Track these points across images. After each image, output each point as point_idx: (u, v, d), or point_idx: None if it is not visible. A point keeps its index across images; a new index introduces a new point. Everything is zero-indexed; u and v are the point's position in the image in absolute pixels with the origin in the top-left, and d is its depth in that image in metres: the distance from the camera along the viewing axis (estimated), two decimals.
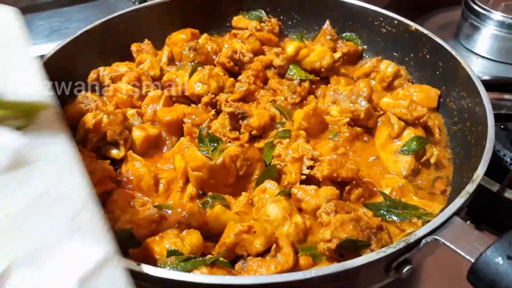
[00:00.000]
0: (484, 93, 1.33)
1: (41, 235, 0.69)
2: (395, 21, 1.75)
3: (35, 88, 0.92)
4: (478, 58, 2.34)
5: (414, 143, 1.39)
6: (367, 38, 1.87)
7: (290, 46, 1.66)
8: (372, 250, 1.07)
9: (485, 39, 2.27)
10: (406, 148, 1.39)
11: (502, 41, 2.21)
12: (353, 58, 1.85)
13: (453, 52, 1.52)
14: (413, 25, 1.69)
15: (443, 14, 2.68)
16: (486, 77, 1.92)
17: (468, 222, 1.02)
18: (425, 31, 1.64)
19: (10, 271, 0.63)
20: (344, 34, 1.90)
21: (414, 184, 1.34)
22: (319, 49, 1.68)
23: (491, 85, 1.84)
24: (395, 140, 1.43)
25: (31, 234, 0.70)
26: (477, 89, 1.37)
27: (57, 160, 0.81)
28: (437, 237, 0.95)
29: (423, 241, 0.95)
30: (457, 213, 1.01)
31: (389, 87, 1.70)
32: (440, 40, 1.59)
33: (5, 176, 0.70)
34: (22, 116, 0.83)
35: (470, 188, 1.07)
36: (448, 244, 0.93)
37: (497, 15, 2.18)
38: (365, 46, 1.89)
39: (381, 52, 1.84)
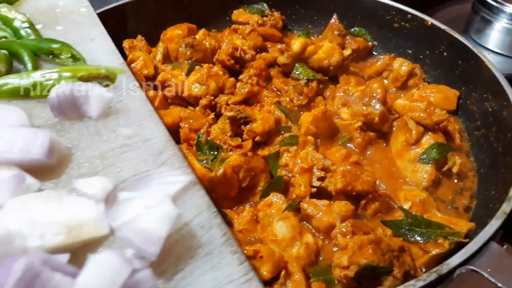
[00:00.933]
0: None
1: (135, 166, 0.89)
2: (409, 15, 1.62)
3: (110, 57, 1.19)
4: (490, 53, 2.20)
5: (435, 150, 1.26)
6: (377, 33, 1.74)
7: (296, 43, 1.52)
8: (394, 277, 0.95)
9: (497, 33, 2.13)
10: (425, 156, 1.26)
11: None
12: (362, 55, 1.72)
13: (475, 50, 1.39)
14: (429, 20, 1.55)
15: (452, 7, 2.53)
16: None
17: (505, 246, 0.89)
18: (443, 26, 1.51)
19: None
20: (352, 29, 1.77)
21: (435, 197, 1.21)
22: (327, 46, 1.54)
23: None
24: (413, 147, 1.30)
25: (127, 166, 0.90)
26: (504, 91, 1.24)
27: (139, 111, 1.02)
28: (473, 268, 0.82)
29: (457, 271, 0.83)
30: (493, 237, 0.88)
31: (403, 87, 1.57)
32: (459, 36, 1.46)
33: (98, 123, 0.86)
34: (106, 77, 1.08)
35: (507, 207, 0.94)
36: (487, 276, 0.81)
37: (510, 8, 2.05)
38: (375, 42, 1.75)
39: (393, 49, 1.71)
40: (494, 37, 2.14)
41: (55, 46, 1.22)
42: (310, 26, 1.85)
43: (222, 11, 1.83)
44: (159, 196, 0.75)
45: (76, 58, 1.23)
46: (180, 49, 1.58)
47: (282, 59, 1.52)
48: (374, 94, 1.36)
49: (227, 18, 1.84)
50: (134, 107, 1.03)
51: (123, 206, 0.75)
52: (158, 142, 0.94)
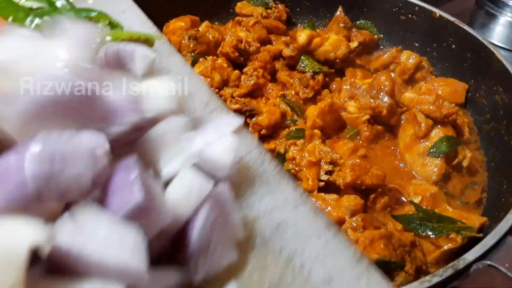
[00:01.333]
0: None
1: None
2: (416, 7, 1.59)
3: (143, 27, 1.22)
4: (497, 49, 2.19)
5: (444, 144, 1.23)
6: (383, 26, 1.71)
7: (302, 35, 1.49)
8: (406, 272, 0.92)
9: (502, 27, 2.10)
10: (435, 149, 1.23)
11: None
12: (368, 48, 1.69)
13: (485, 42, 1.37)
14: (437, 11, 1.53)
15: (455, 1, 2.52)
16: None
17: None
18: (451, 18, 1.49)
19: None
20: (358, 22, 1.74)
21: (445, 191, 1.19)
22: (334, 38, 1.51)
23: None
24: (422, 141, 1.28)
25: None
26: None
27: (181, 70, 1.04)
28: (490, 263, 0.80)
29: (474, 266, 0.81)
30: (509, 231, 0.86)
31: (410, 80, 1.54)
32: (469, 28, 1.43)
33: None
34: (145, 41, 1.08)
35: None
36: (504, 271, 0.78)
37: None
38: (382, 35, 1.72)
39: (399, 41, 1.67)
40: (498, 31, 2.11)
41: (93, 14, 1.23)
42: (314, 18, 1.82)
43: (225, 3, 1.80)
44: (221, 132, 0.77)
45: (114, 25, 1.22)
46: (183, 41, 1.54)
47: (287, 52, 1.49)
48: (382, 87, 1.34)
49: (231, 10, 1.80)
50: (174, 67, 1.06)
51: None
52: (204, 95, 0.98)
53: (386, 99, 1.32)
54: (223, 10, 1.79)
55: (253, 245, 0.70)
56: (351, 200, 1.06)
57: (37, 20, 1.19)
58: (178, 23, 1.65)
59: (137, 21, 1.29)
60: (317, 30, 1.70)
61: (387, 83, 1.33)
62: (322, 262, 0.68)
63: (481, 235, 0.99)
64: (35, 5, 1.33)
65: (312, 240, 0.71)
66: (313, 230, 0.72)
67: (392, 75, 1.55)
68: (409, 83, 1.53)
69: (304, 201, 0.75)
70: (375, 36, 1.71)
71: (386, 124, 1.34)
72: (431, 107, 1.27)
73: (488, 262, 0.80)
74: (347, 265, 0.68)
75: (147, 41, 1.13)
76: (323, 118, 1.31)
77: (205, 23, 1.67)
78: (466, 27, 1.43)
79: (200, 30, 1.63)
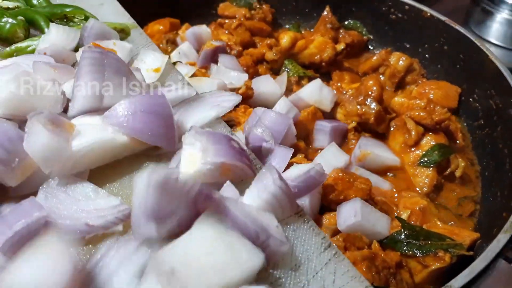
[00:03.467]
0: None
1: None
2: (406, 6, 1.51)
3: (121, 18, 1.27)
4: (490, 46, 2.09)
5: (436, 152, 1.16)
6: (373, 26, 1.63)
7: (285, 37, 1.42)
8: None
9: (498, 25, 2.02)
10: (426, 158, 1.16)
11: None
12: (357, 50, 1.62)
13: (478, 43, 1.29)
14: (428, 11, 1.45)
15: None
16: None
17: None
18: (443, 18, 1.41)
19: None
20: (346, 22, 1.66)
21: (437, 203, 1.11)
22: (319, 40, 1.44)
23: None
24: (412, 149, 1.20)
25: None
26: (510, 87, 1.14)
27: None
28: None
29: None
30: (501, 253, 0.78)
31: (401, 84, 1.46)
32: (461, 28, 1.35)
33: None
34: (122, 31, 1.17)
35: None
36: None
37: None
38: (371, 36, 1.64)
39: (389, 42, 1.60)
40: (494, 29, 2.03)
41: (68, 10, 1.26)
42: (300, 20, 1.74)
43: (207, 4, 1.72)
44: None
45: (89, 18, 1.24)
46: (161, 45, 1.48)
47: (270, 55, 1.42)
48: (370, 92, 1.26)
49: (213, 11, 1.73)
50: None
51: None
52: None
53: (373, 105, 1.24)
54: (205, 12, 1.72)
55: None
56: (331, 218, 0.98)
57: (10, 20, 1.17)
58: (157, 27, 1.58)
59: (115, 12, 1.32)
60: (303, 31, 1.62)
61: (374, 88, 1.25)
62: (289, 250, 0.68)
63: (471, 253, 0.92)
64: (11, 4, 1.32)
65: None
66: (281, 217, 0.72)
67: (382, 78, 1.47)
68: (400, 87, 1.46)
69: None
70: (364, 36, 1.64)
71: (374, 131, 1.27)
72: (422, 114, 1.20)
73: None
74: (315, 252, 0.70)
75: (124, 30, 1.20)
76: (305, 127, 1.23)
77: (185, 26, 1.60)
78: (458, 27, 1.36)
79: (180, 33, 1.56)
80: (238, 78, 1.27)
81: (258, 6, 1.68)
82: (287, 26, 1.76)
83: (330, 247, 0.71)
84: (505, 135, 1.14)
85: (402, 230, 0.98)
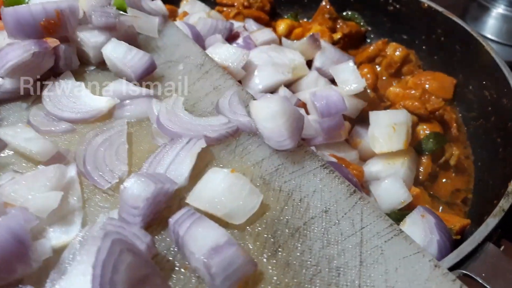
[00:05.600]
0: None
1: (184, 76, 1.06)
2: None
3: None
4: (489, 42, 2.10)
5: (431, 141, 1.16)
6: (371, 17, 1.63)
7: (281, 25, 1.42)
8: None
9: (494, 20, 2.01)
10: (421, 147, 1.16)
11: None
12: (355, 41, 1.61)
13: (474, 33, 1.28)
14: (426, 2, 1.44)
15: None
16: None
17: (502, 247, 0.79)
18: (440, 9, 1.40)
19: None
20: (345, 13, 1.66)
21: (432, 193, 1.11)
22: (316, 29, 1.44)
23: None
24: None
25: (177, 74, 1.07)
26: (504, 77, 1.13)
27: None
28: (466, 272, 0.72)
29: None
30: (489, 237, 0.78)
31: (397, 74, 1.46)
32: (458, 19, 1.34)
33: None
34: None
35: (505, 203, 0.84)
36: (481, 281, 0.70)
37: None
38: (369, 27, 1.64)
39: (387, 33, 1.59)
40: (491, 24, 2.02)
41: None
42: (300, 10, 1.73)
43: None
44: None
45: None
46: None
47: None
48: (364, 79, 1.26)
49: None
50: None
51: None
52: (198, 58, 1.09)
53: (368, 91, 1.24)
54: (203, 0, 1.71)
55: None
56: None
57: None
58: None
59: None
60: (301, 21, 1.62)
61: (369, 75, 1.26)
62: (319, 196, 0.79)
63: (458, 237, 0.91)
64: None
65: (309, 178, 0.82)
66: (309, 169, 0.84)
67: (378, 68, 1.47)
68: (396, 77, 1.45)
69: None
70: (362, 28, 1.63)
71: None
72: (416, 103, 1.20)
73: (464, 271, 0.72)
74: (343, 196, 0.79)
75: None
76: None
77: (183, 13, 1.60)
78: (455, 18, 1.35)
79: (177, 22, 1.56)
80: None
81: None
82: (285, 16, 1.76)
83: (356, 192, 0.80)
84: (498, 125, 1.14)
85: (391, 214, 0.98)
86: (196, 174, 0.80)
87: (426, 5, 1.44)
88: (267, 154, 0.86)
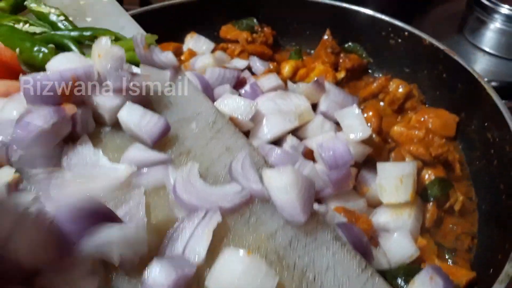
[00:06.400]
0: None
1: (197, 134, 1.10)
2: (406, 33, 1.53)
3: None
4: (485, 54, 2.11)
5: (436, 187, 1.19)
6: (372, 49, 1.65)
7: (286, 67, 1.45)
8: None
9: (492, 33, 2.03)
10: (427, 194, 1.19)
11: (511, 37, 1.97)
12: (357, 73, 1.64)
13: (475, 75, 1.31)
14: (427, 39, 1.47)
15: (447, 4, 2.45)
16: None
17: None
18: (442, 47, 1.43)
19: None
20: (346, 45, 1.68)
21: (436, 241, 1.15)
22: (320, 69, 1.47)
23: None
24: None
25: (190, 133, 1.11)
26: (506, 123, 1.17)
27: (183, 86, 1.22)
28: None
29: None
30: None
31: (400, 110, 1.49)
32: (460, 59, 1.37)
33: None
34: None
35: (511, 269, 0.87)
36: None
37: (505, 9, 1.95)
38: (371, 59, 1.66)
39: (389, 66, 1.62)
40: (489, 37, 2.06)
41: (99, 31, 1.32)
42: (301, 41, 1.76)
43: (209, 27, 1.74)
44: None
45: (120, 39, 1.31)
46: None
47: None
48: (369, 124, 1.29)
49: (215, 33, 1.74)
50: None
51: None
52: (209, 115, 1.13)
53: (373, 136, 1.27)
54: (207, 34, 1.73)
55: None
56: None
57: (43, 49, 1.21)
58: None
59: (135, 32, 1.36)
60: (304, 57, 1.64)
61: (373, 120, 1.29)
62: (332, 273, 0.84)
63: None
64: (38, 30, 1.37)
65: (322, 252, 0.87)
66: (321, 241, 0.88)
67: (382, 104, 1.51)
68: (399, 113, 1.49)
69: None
70: (364, 60, 1.66)
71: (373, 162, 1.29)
72: (420, 149, 1.23)
73: None
74: (354, 273, 0.84)
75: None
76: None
77: (188, 51, 1.62)
78: (457, 58, 1.38)
79: (182, 59, 1.59)
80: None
81: (259, 30, 1.70)
82: (287, 47, 1.79)
83: (367, 268, 0.85)
84: (501, 171, 1.17)
85: (400, 269, 1.03)
86: (213, 248, 0.85)
87: (427, 42, 1.46)
88: (281, 225, 0.90)
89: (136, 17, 1.51)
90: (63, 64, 1.09)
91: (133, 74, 1.13)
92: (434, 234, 1.16)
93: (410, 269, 1.01)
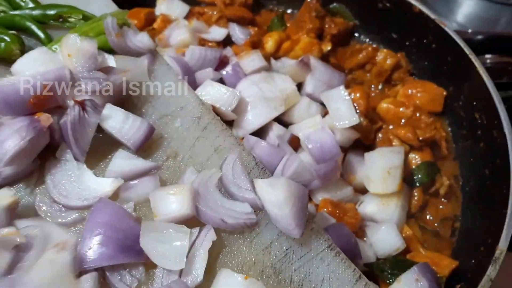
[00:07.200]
0: (506, 118, 1.12)
1: (182, 133, 1.04)
2: None
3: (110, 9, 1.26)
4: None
5: (423, 172, 1.20)
6: (359, 11, 1.56)
7: (269, 42, 1.36)
8: None
9: None
10: (413, 178, 1.20)
11: None
12: (344, 38, 1.56)
13: (467, 50, 1.27)
14: (417, 5, 1.39)
15: None
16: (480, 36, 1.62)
17: None
18: (432, 16, 1.35)
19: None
20: (331, 6, 1.58)
21: (421, 225, 1.19)
22: (305, 41, 1.39)
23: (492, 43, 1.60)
24: None
25: (176, 132, 1.05)
26: (495, 107, 1.15)
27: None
28: None
29: None
30: None
31: (387, 81, 1.45)
32: (452, 31, 1.31)
33: None
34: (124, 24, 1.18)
35: (493, 272, 0.91)
36: None
37: None
38: (357, 22, 1.58)
39: (376, 30, 1.55)
40: None
41: (64, 10, 1.21)
42: (283, 3, 1.64)
43: None
44: None
45: (87, 17, 1.22)
46: None
47: None
48: (355, 105, 1.25)
49: None
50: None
51: None
52: (196, 111, 1.07)
53: (361, 119, 1.25)
54: None
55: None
56: None
57: (5, 38, 1.10)
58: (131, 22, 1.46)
59: (103, 5, 1.29)
60: (287, 20, 1.53)
61: (361, 102, 1.25)
62: (327, 285, 0.86)
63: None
64: None
65: (317, 263, 0.88)
66: (316, 252, 0.89)
67: (368, 75, 1.46)
68: (386, 84, 1.45)
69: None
70: (350, 22, 1.57)
71: (361, 143, 1.29)
72: (408, 135, 1.22)
73: None
74: (350, 284, 0.86)
75: (125, 24, 1.19)
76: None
77: (161, 17, 1.49)
78: (447, 29, 1.32)
79: (155, 27, 1.47)
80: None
81: None
82: (269, 6, 1.67)
83: (361, 278, 0.87)
84: (487, 155, 1.18)
85: (387, 261, 1.06)
86: (209, 265, 0.85)
87: (417, 9, 1.38)
88: (275, 236, 0.90)
89: None
90: (30, 67, 0.99)
91: (109, 70, 1.04)
92: (418, 218, 1.19)
93: (397, 262, 1.05)
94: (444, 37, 1.33)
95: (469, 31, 1.69)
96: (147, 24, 1.48)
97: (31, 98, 0.92)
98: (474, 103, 1.25)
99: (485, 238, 1.03)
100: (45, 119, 0.94)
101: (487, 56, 1.59)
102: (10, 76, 1.01)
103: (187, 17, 1.53)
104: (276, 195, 0.86)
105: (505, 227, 0.96)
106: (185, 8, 1.55)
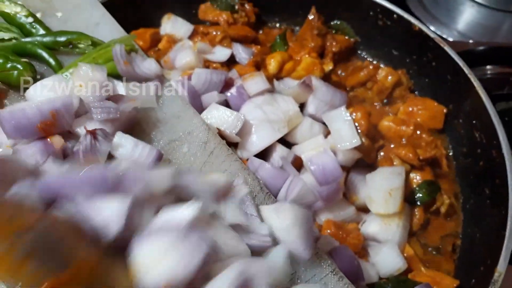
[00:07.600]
0: (505, 139, 1.15)
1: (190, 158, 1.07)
2: (394, 15, 1.46)
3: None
4: (474, 5, 2.08)
5: (424, 191, 1.23)
6: (360, 28, 1.58)
7: (272, 63, 1.39)
8: None
9: None
10: (414, 197, 1.23)
11: None
12: (345, 55, 1.59)
13: (466, 70, 1.29)
14: (417, 24, 1.41)
15: None
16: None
17: None
18: (432, 35, 1.38)
19: None
20: (333, 23, 1.60)
21: (423, 243, 1.22)
22: (307, 61, 1.42)
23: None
24: None
25: (183, 158, 1.08)
26: (495, 129, 1.17)
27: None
28: None
29: None
30: None
31: (388, 98, 1.48)
32: (450, 50, 1.33)
33: None
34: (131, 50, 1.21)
35: None
36: None
37: None
38: (358, 38, 1.60)
39: (377, 47, 1.57)
40: None
41: (74, 36, 1.23)
42: (286, 20, 1.68)
43: (186, 6, 1.62)
44: None
45: (96, 43, 1.24)
46: None
47: None
48: (357, 125, 1.28)
49: (193, 11, 1.63)
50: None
51: None
52: (202, 136, 1.09)
53: (362, 140, 1.27)
54: (185, 15, 1.61)
55: None
56: None
57: (18, 66, 1.12)
58: (137, 43, 1.49)
59: (112, 30, 1.30)
60: (289, 38, 1.56)
61: (363, 122, 1.28)
62: None
63: None
64: (6, 36, 1.27)
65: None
66: (320, 276, 0.91)
67: (369, 93, 1.49)
68: (387, 101, 1.48)
69: None
70: (352, 38, 1.59)
71: (363, 163, 1.31)
72: (409, 155, 1.24)
73: None
74: None
75: (132, 49, 1.22)
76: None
77: (166, 38, 1.53)
78: (447, 48, 1.34)
79: (161, 48, 1.50)
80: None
81: (240, 8, 1.59)
82: (271, 24, 1.70)
83: None
84: (487, 175, 1.20)
85: (389, 281, 1.10)
86: None
87: (417, 27, 1.41)
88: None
89: (108, 4, 1.39)
90: (44, 93, 1.03)
91: (118, 98, 1.07)
92: (419, 236, 1.22)
93: (399, 282, 1.08)
94: (443, 55, 1.36)
95: (470, 41, 1.72)
96: (153, 45, 1.52)
97: (39, 123, 0.96)
98: (474, 121, 1.28)
99: (485, 258, 1.06)
100: (57, 141, 0.98)
101: (488, 67, 1.63)
102: (23, 102, 1.06)
103: (192, 36, 1.57)
104: (282, 222, 0.89)
105: (503, 249, 0.98)
106: (190, 27, 1.58)
